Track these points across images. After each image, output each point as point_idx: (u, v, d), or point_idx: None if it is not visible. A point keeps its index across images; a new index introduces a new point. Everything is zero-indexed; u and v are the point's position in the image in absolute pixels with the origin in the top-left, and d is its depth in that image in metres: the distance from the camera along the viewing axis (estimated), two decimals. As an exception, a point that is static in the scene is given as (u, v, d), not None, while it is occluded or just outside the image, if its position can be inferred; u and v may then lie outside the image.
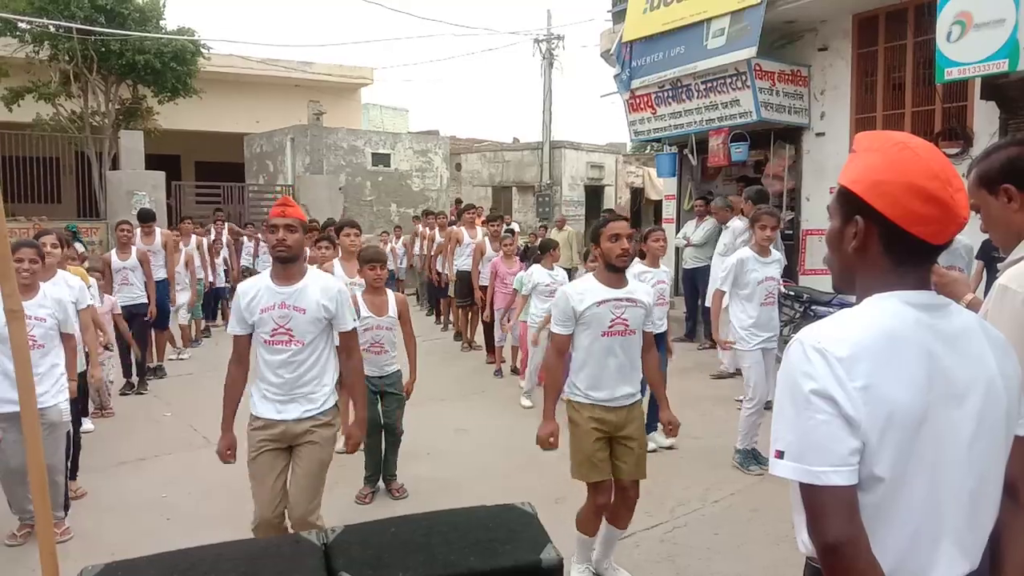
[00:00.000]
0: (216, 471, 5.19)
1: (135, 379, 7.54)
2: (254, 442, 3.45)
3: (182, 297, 9.11)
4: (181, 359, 9.18)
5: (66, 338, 4.31)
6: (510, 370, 8.45)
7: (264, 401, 3.45)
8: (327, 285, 3.53)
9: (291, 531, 3.52)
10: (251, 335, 3.47)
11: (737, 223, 8.17)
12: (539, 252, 7.68)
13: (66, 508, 4.30)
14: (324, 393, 3.51)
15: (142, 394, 7.44)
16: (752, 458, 5.25)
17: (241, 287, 3.55)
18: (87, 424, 6.09)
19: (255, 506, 3.48)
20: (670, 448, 5.66)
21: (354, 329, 3.65)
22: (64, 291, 4.60)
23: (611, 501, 3.61)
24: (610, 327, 3.49)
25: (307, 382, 3.45)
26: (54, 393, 4.14)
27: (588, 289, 3.52)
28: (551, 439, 3.52)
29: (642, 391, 3.83)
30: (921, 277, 1.38)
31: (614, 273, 3.53)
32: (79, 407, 5.47)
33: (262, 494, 3.44)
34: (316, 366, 3.48)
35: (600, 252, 3.56)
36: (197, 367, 8.81)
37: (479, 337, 9.56)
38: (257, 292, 3.43)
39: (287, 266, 3.42)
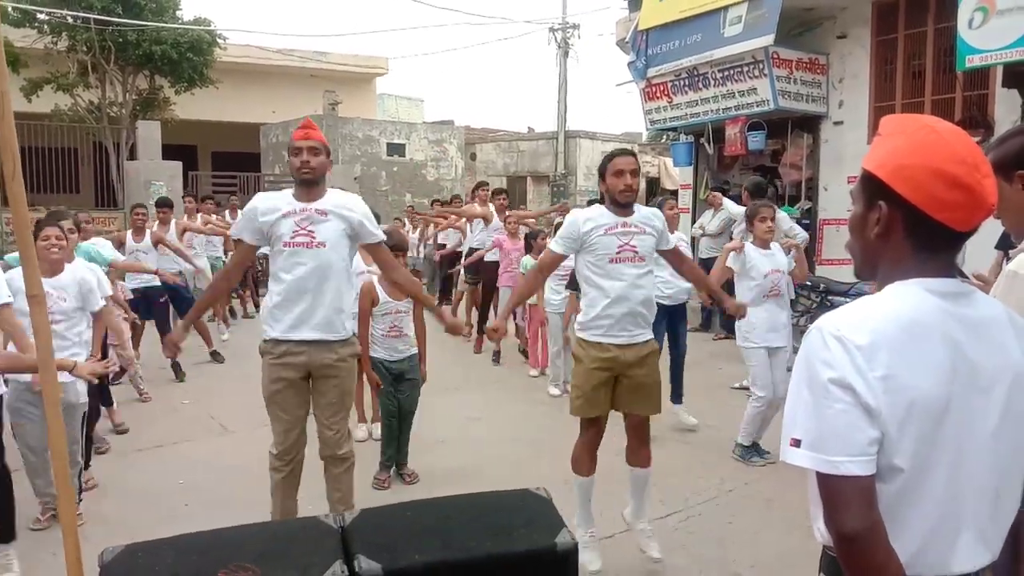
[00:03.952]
0: (234, 457, 5.27)
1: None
2: (274, 375, 3.47)
3: (201, 264, 9.13)
4: (223, 339, 9.16)
5: (96, 316, 4.42)
6: (519, 350, 8.42)
7: (280, 322, 3.43)
8: (350, 201, 3.54)
9: (322, 455, 3.66)
10: (252, 248, 3.48)
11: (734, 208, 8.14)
12: (533, 238, 7.74)
13: (80, 492, 4.36)
14: (342, 319, 3.52)
15: (183, 381, 7.53)
16: (753, 451, 5.19)
17: (258, 196, 3.58)
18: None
19: (274, 436, 3.54)
20: (692, 430, 5.65)
21: (383, 241, 3.64)
22: (87, 273, 4.65)
23: (600, 435, 3.63)
24: (617, 253, 3.49)
25: (327, 294, 3.42)
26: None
27: (597, 215, 3.54)
28: (495, 333, 3.74)
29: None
30: (946, 264, 1.36)
31: (619, 207, 3.54)
32: (101, 397, 5.48)
33: (282, 424, 3.51)
34: (337, 279, 3.45)
35: (605, 187, 3.58)
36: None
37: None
38: (278, 203, 3.44)
39: (311, 188, 3.45)
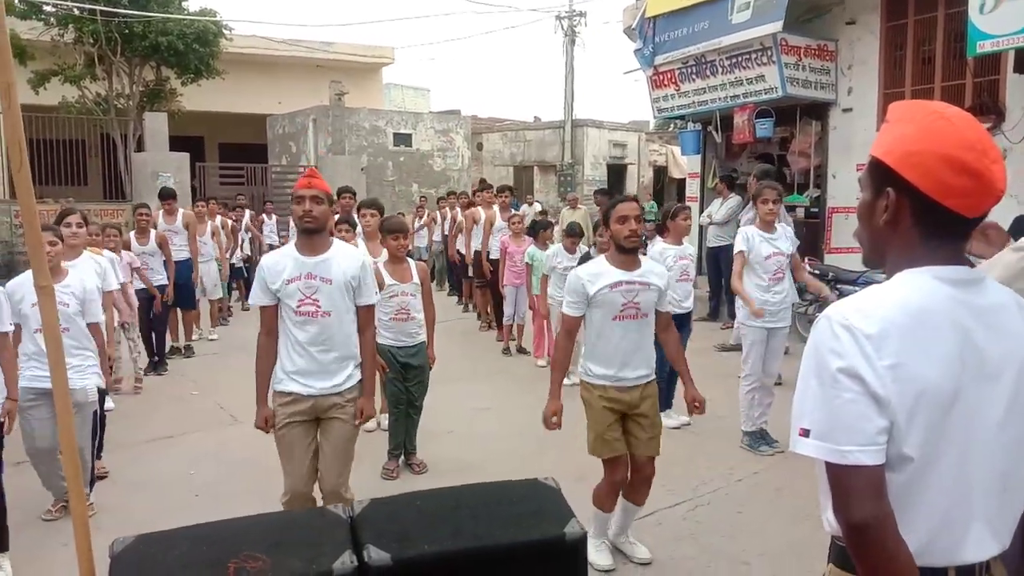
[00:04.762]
0: (243, 448, 5.29)
1: (155, 358, 7.57)
2: (281, 417, 3.48)
3: (209, 269, 9.09)
4: (211, 339, 9.23)
5: (93, 328, 4.34)
6: (516, 349, 8.49)
7: (290, 378, 3.46)
8: (353, 256, 3.56)
9: (322, 503, 3.59)
10: (276, 306, 3.48)
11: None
12: (538, 230, 7.72)
13: (91, 484, 4.38)
14: (350, 368, 3.53)
15: (162, 375, 7.51)
16: (761, 439, 5.21)
17: (265, 258, 3.59)
18: (109, 403, 6.06)
19: (285, 480, 3.52)
20: (677, 428, 5.64)
21: (373, 305, 3.68)
22: (91, 273, 4.64)
23: (627, 478, 3.64)
24: (621, 311, 3.50)
25: (333, 356, 3.46)
26: (81, 375, 4.19)
27: (600, 272, 3.53)
28: (554, 418, 3.58)
29: (659, 372, 3.85)
30: (955, 251, 1.34)
31: (625, 255, 3.53)
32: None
33: (293, 468, 3.49)
34: (342, 339, 3.49)
35: (610, 234, 3.58)
36: (222, 346, 8.92)
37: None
38: (282, 262, 3.45)
39: (313, 237, 3.44)
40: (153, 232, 7.63)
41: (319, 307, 3.41)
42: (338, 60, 22.49)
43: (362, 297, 3.56)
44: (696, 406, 3.71)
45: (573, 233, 7.19)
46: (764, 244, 5.11)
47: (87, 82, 16.11)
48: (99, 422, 4.64)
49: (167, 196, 8.46)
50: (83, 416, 4.21)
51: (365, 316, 3.65)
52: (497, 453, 5.22)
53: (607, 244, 3.82)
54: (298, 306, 3.40)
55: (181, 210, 8.62)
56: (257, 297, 3.53)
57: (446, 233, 12.20)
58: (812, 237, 9.42)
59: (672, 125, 19.31)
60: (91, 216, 13.56)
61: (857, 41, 9.15)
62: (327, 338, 3.44)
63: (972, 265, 1.39)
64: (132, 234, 7.59)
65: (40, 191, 14.00)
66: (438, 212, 13.22)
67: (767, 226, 5.16)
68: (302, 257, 3.43)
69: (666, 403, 5.96)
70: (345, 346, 3.51)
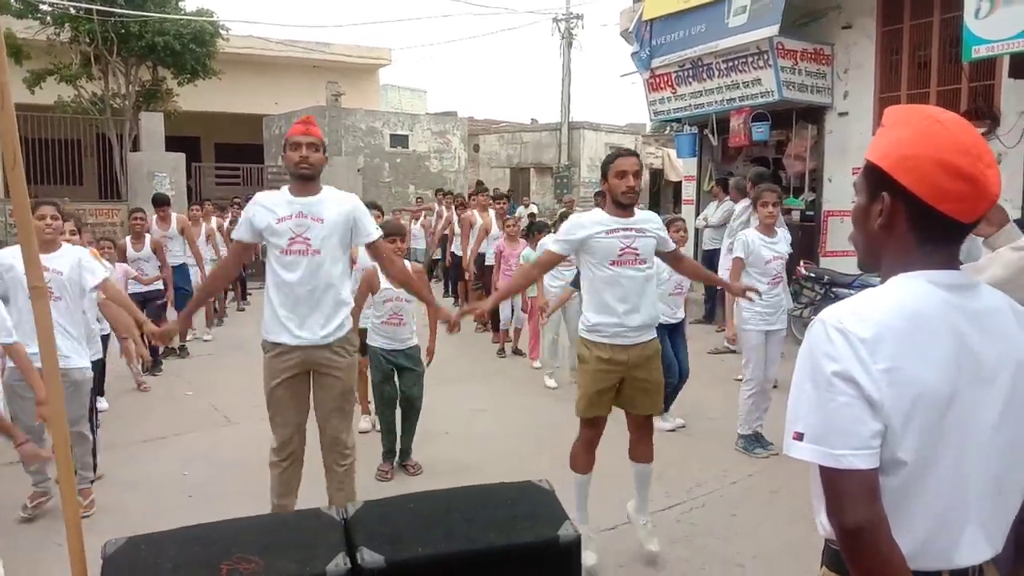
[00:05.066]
0: (237, 449, 5.28)
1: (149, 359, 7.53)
2: (272, 371, 3.48)
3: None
4: (205, 340, 9.21)
5: (104, 287, 4.30)
6: (512, 351, 8.50)
7: (279, 326, 3.44)
8: (346, 198, 3.58)
9: (324, 452, 3.63)
10: (251, 246, 3.50)
11: (734, 204, 8.30)
12: (533, 231, 7.72)
13: (94, 467, 4.39)
14: (340, 316, 3.51)
15: (156, 375, 7.48)
16: (756, 442, 5.20)
17: (259, 195, 3.60)
18: (102, 403, 6.04)
19: (274, 432, 3.53)
20: (673, 431, 5.63)
21: (380, 238, 3.68)
22: (84, 253, 4.60)
23: (599, 435, 3.63)
24: (619, 256, 3.47)
25: (323, 300, 3.44)
26: (79, 353, 4.18)
27: (597, 220, 3.52)
28: (472, 316, 3.58)
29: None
30: (949, 256, 1.35)
31: (621, 208, 3.53)
32: (95, 386, 5.39)
33: (282, 420, 3.51)
34: (332, 283, 3.47)
35: (607, 187, 3.56)
36: (216, 347, 8.88)
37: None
38: (275, 200, 3.47)
39: (307, 183, 3.46)
40: (148, 237, 7.62)
41: (309, 245, 3.40)
42: (335, 61, 22.47)
43: (362, 235, 3.55)
44: (750, 296, 4.14)
45: (534, 230, 7.22)
46: (764, 248, 5.10)
47: (83, 82, 16.08)
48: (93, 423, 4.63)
49: (161, 203, 8.38)
50: (80, 393, 4.19)
51: (380, 251, 3.66)
52: (494, 454, 5.22)
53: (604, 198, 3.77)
54: (288, 245, 3.40)
55: (175, 215, 8.58)
56: (239, 231, 3.55)
57: (445, 233, 12.20)
58: (808, 240, 9.43)
59: (668, 128, 19.31)
60: (86, 216, 13.59)
61: (853, 45, 9.18)
62: (317, 278, 3.42)
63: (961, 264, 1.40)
64: (128, 239, 7.59)
65: (35, 191, 13.93)
66: (435, 202, 13.32)
67: (767, 229, 5.15)
68: (295, 198, 3.45)
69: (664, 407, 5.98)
70: (335, 289, 3.48)
